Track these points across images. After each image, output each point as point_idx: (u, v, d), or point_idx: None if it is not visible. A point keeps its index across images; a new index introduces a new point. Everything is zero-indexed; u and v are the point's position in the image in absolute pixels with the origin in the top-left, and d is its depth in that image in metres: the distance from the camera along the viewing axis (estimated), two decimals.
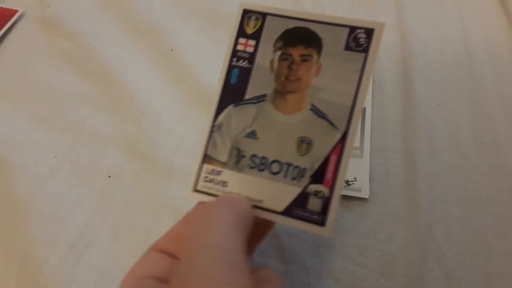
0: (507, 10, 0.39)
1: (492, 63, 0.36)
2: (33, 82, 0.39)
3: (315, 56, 0.22)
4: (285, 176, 0.22)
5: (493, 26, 0.38)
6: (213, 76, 0.38)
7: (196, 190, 0.23)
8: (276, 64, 0.23)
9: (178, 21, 0.41)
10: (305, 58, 0.23)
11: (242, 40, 0.24)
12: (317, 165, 0.21)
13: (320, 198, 0.21)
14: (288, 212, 0.21)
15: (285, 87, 0.23)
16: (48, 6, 0.45)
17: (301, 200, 0.21)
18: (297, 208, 0.21)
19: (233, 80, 0.24)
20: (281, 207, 0.21)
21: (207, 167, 0.23)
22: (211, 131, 0.23)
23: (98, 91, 0.38)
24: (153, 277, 0.20)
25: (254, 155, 0.22)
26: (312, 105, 0.22)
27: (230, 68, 0.24)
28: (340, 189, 0.21)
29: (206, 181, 0.23)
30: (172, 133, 0.35)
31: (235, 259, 0.17)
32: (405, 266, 0.28)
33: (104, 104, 0.37)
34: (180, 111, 0.36)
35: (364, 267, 0.28)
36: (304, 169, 0.22)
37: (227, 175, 0.22)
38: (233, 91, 0.23)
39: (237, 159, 0.22)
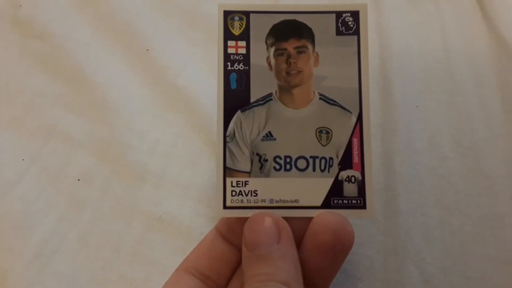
0: (486, 14, 0.39)
1: (471, 65, 0.36)
2: (2, 83, 0.38)
3: (309, 46, 0.22)
4: (314, 169, 0.22)
5: (472, 29, 0.38)
6: (190, 77, 0.37)
7: (226, 207, 0.22)
8: (273, 61, 0.22)
9: (155, 21, 0.40)
10: (300, 50, 0.22)
11: (231, 43, 0.23)
12: (342, 151, 0.22)
13: (354, 182, 0.21)
14: (327, 204, 0.21)
15: (288, 82, 0.22)
16: (20, 5, 0.43)
17: (336, 189, 0.21)
18: (335, 198, 0.21)
19: (233, 85, 0.23)
20: (319, 201, 0.21)
21: (231, 180, 0.22)
22: (225, 143, 0.22)
23: (70, 93, 0.36)
24: None
25: (276, 156, 0.22)
26: (320, 95, 0.22)
27: (226, 73, 0.23)
28: (370, 170, 0.22)
29: (234, 195, 0.22)
30: (146, 136, 0.34)
31: None
32: (384, 271, 0.27)
33: (76, 106, 0.36)
34: (155, 114, 0.35)
35: (342, 272, 0.28)
36: (331, 159, 0.22)
37: (255, 183, 0.22)
38: (236, 97, 0.23)
39: (261, 165, 0.22)
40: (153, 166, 0.33)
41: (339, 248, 0.20)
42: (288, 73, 0.22)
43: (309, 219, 0.21)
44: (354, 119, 0.22)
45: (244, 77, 0.22)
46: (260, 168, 0.22)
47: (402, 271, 0.27)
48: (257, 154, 0.22)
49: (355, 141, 0.21)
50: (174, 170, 0.32)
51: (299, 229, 0.21)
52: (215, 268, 0.22)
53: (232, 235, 0.22)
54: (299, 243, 0.21)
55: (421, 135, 0.32)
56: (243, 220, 0.21)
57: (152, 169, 0.32)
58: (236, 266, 0.22)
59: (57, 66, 0.38)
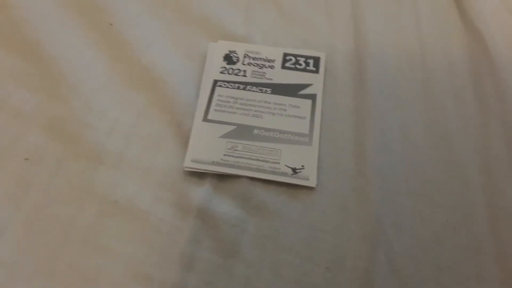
0: (461, 5, 0.39)
1: (445, 55, 0.35)
2: None
3: None
4: None
5: (446, 20, 0.38)
6: (156, 55, 0.34)
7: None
8: None
9: None
10: None
11: None
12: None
13: None
14: None
15: None
16: None
17: None
18: None
19: None
20: None
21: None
22: None
23: (26, 67, 0.33)
24: None
25: None
26: None
27: None
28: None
29: None
30: (105, 115, 0.31)
31: None
32: (353, 260, 0.26)
33: (31, 81, 0.33)
34: (116, 91, 0.33)
35: (309, 260, 0.26)
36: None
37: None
38: None
39: None
40: (111, 146, 0.30)
41: None
42: None
43: None
44: None
45: None
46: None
47: (372, 260, 0.26)
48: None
49: None
50: (134, 152, 0.30)
51: None
52: None
53: None
54: None
55: (393, 123, 0.31)
56: None
57: (110, 149, 0.30)
58: None
59: (14, 39, 0.35)
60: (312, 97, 0.32)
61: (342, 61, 0.35)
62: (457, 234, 0.27)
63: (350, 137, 0.31)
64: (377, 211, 0.27)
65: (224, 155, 0.29)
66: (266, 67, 0.34)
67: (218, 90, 0.33)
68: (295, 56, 0.35)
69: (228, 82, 0.33)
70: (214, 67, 0.34)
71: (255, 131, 0.31)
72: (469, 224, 0.28)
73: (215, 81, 0.33)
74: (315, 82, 0.33)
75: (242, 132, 0.30)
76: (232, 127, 0.31)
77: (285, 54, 0.35)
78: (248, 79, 0.33)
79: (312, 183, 0.28)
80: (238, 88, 0.33)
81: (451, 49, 0.36)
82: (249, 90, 0.33)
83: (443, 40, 0.36)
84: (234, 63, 0.34)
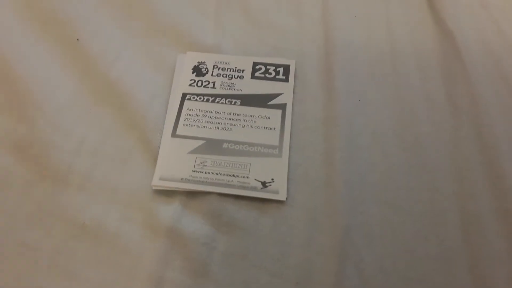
0: (432, 5, 0.38)
1: (416, 58, 0.35)
2: None
3: None
4: None
5: (418, 21, 0.37)
6: (123, 69, 0.34)
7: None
8: None
9: (87, 9, 0.37)
10: None
11: None
12: None
13: None
14: None
15: None
16: None
17: None
18: None
19: None
20: None
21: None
22: None
23: None
24: None
25: None
26: None
27: None
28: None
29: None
30: (72, 134, 0.31)
31: None
32: (322, 274, 0.26)
33: None
34: (83, 108, 0.32)
35: (279, 276, 0.26)
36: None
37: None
38: None
39: None
40: (79, 166, 0.30)
41: None
42: None
43: None
44: None
45: None
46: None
47: (341, 273, 0.26)
48: None
49: None
50: (102, 171, 0.30)
51: None
52: None
53: None
54: None
55: (363, 130, 0.31)
56: None
57: (77, 169, 0.30)
58: None
59: None
60: (282, 107, 0.32)
61: (312, 68, 0.35)
62: (429, 243, 0.27)
63: (320, 146, 0.31)
64: (346, 222, 0.27)
65: (193, 171, 0.29)
66: (235, 78, 0.34)
67: (187, 103, 0.32)
68: (265, 65, 0.34)
69: (197, 94, 0.33)
70: (183, 79, 0.34)
71: (224, 145, 0.30)
72: (440, 233, 0.27)
73: (184, 95, 0.33)
74: (285, 91, 0.33)
75: (211, 146, 0.30)
76: (201, 142, 0.30)
77: (255, 64, 0.34)
78: (217, 90, 0.33)
79: (282, 196, 0.28)
80: (207, 100, 0.33)
81: (423, 52, 0.36)
82: (218, 102, 0.32)
83: (414, 43, 0.36)
84: (203, 74, 0.34)
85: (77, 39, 0.35)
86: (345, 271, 0.26)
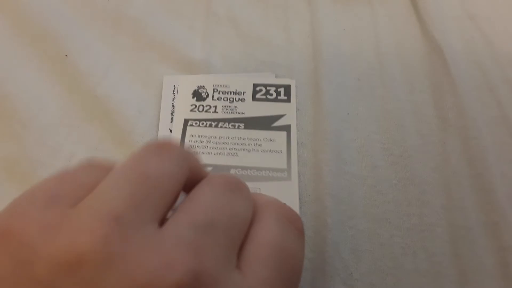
0: (420, 18, 0.38)
1: (404, 71, 0.35)
2: None
3: None
4: None
5: (406, 34, 0.38)
6: (111, 86, 0.34)
7: None
8: None
9: (76, 25, 0.37)
10: None
11: None
12: None
13: None
14: None
15: None
16: None
17: None
18: None
19: None
20: None
21: None
22: None
23: None
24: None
25: None
26: None
27: None
28: None
29: None
30: (59, 151, 0.31)
31: None
32: None
33: None
34: (70, 125, 0.32)
35: None
36: None
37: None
38: None
39: None
40: None
41: None
42: None
43: None
44: None
45: None
46: None
47: None
48: None
49: None
50: None
51: None
52: None
53: None
54: None
55: (351, 144, 0.31)
56: None
57: None
58: None
59: None
60: (286, 128, 0.32)
61: (300, 82, 0.35)
62: (417, 258, 0.27)
63: (309, 162, 0.31)
64: (334, 237, 0.27)
65: None
66: (236, 101, 0.33)
67: (189, 130, 0.32)
68: (265, 86, 0.34)
69: (199, 120, 0.32)
70: (184, 105, 0.33)
71: (232, 171, 0.30)
72: (429, 247, 0.27)
73: (186, 121, 0.32)
74: (288, 112, 0.32)
75: (218, 173, 0.30)
76: (208, 169, 0.30)
77: (255, 85, 0.34)
78: (220, 115, 0.32)
79: None
80: (210, 125, 0.32)
81: (410, 64, 0.36)
82: (221, 127, 0.32)
83: (402, 56, 0.36)
84: (203, 99, 0.33)
85: (66, 55, 0.36)
86: (334, 287, 0.26)
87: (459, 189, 0.29)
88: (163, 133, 0.32)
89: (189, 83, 0.34)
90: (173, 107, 0.33)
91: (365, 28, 0.38)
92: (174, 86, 0.34)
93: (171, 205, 0.16)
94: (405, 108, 0.33)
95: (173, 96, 0.34)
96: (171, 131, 0.32)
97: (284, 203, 0.20)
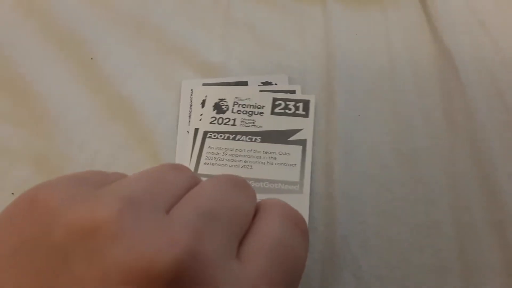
0: (432, 25, 0.40)
1: (415, 75, 0.37)
2: None
3: None
4: None
5: (417, 40, 0.39)
6: (135, 87, 0.36)
7: None
8: None
9: (102, 30, 0.40)
10: None
11: None
12: None
13: None
14: None
15: None
16: None
17: None
18: None
19: None
20: None
21: None
22: None
23: (8, 103, 0.35)
24: None
25: None
26: None
27: None
28: None
29: None
30: (85, 147, 0.33)
31: None
32: (320, 281, 0.27)
33: (14, 117, 0.35)
34: (96, 124, 0.34)
35: None
36: None
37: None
38: None
39: None
40: None
41: None
42: None
43: None
44: None
45: None
46: None
47: (339, 280, 0.27)
48: None
49: None
50: None
51: None
52: None
53: None
54: None
55: (361, 144, 0.32)
56: None
57: None
58: None
59: None
60: (302, 142, 0.32)
61: (314, 84, 0.36)
62: (424, 253, 0.28)
63: (321, 161, 0.32)
64: (344, 231, 0.29)
65: None
66: (255, 114, 0.34)
67: (208, 141, 0.33)
68: (285, 100, 0.35)
69: (218, 132, 0.33)
70: (205, 117, 0.34)
71: None
72: (435, 243, 0.28)
73: (205, 133, 0.33)
74: (305, 127, 0.33)
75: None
76: None
77: (274, 99, 0.35)
78: (238, 128, 0.33)
79: None
80: (228, 138, 0.33)
81: (421, 69, 0.37)
82: (238, 140, 0.33)
83: (413, 60, 0.38)
84: (223, 112, 0.34)
85: (91, 58, 0.38)
86: (343, 278, 0.27)
87: (466, 189, 0.30)
88: (181, 133, 0.34)
89: (210, 95, 0.35)
90: (190, 111, 0.35)
91: (377, 33, 0.39)
92: (192, 90, 0.36)
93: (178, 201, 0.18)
94: (415, 111, 0.34)
95: (190, 99, 0.35)
96: (188, 133, 0.33)
97: (289, 205, 0.20)
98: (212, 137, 0.33)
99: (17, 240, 0.15)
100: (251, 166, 0.31)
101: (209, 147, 0.32)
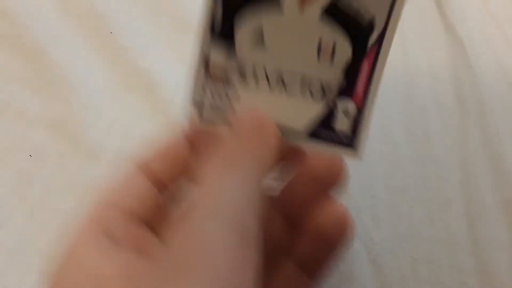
0: (443, 13, 0.40)
1: (427, 61, 0.37)
2: None
3: None
4: (306, 91, 0.18)
5: (430, 28, 0.40)
6: (153, 61, 0.37)
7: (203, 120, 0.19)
8: None
9: (120, 4, 0.40)
10: None
11: None
12: (345, 74, 0.18)
13: (349, 116, 0.18)
14: (313, 133, 0.18)
15: None
16: None
17: (327, 119, 0.18)
18: (323, 128, 0.18)
19: None
20: (303, 128, 0.18)
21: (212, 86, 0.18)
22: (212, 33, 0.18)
23: (28, 71, 0.36)
24: (129, 211, 0.17)
25: (260, 70, 0.18)
26: None
27: None
28: (372, 106, 0.18)
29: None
30: (103, 115, 0.34)
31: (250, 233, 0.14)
32: None
33: (33, 83, 0.35)
34: (114, 94, 0.35)
35: None
36: (329, 82, 0.18)
37: (234, 93, 0.18)
38: None
39: (242, 78, 0.18)
40: (109, 145, 0.32)
41: (331, 181, 0.20)
42: None
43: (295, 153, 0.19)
44: (375, 36, 0.17)
45: None
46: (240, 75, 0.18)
47: (351, 250, 0.28)
48: (238, 67, 0.18)
49: (366, 65, 0.17)
50: (131, 150, 0.32)
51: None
52: (174, 176, 0.19)
53: (201, 141, 0.20)
54: None
55: (374, 123, 0.33)
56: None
57: (107, 147, 0.32)
58: None
59: (17, 45, 0.38)
60: None
61: None
62: (434, 227, 0.29)
63: None
64: (356, 204, 0.29)
65: None
66: None
67: None
68: None
69: None
70: None
71: None
72: (445, 218, 0.29)
73: None
74: None
75: None
76: None
77: None
78: None
79: None
80: None
81: (433, 55, 0.38)
82: None
83: (426, 47, 0.38)
84: None
85: (111, 32, 0.38)
86: (355, 249, 0.28)
87: (476, 168, 0.31)
88: None
89: None
90: None
91: None
92: None
93: None
94: (427, 94, 0.35)
95: None
96: None
97: None
98: None
99: None
100: None
101: None
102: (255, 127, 0.17)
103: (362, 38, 0.17)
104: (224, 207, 0.14)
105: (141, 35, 0.38)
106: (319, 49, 0.17)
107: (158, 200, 0.18)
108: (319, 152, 0.19)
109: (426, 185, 0.30)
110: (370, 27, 0.17)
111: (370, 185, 0.30)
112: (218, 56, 0.18)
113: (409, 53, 0.38)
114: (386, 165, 0.31)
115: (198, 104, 0.19)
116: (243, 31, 0.18)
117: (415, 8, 0.41)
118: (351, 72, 0.17)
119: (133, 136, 0.33)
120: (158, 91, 0.35)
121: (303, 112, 0.18)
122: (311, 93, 0.18)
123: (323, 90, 0.18)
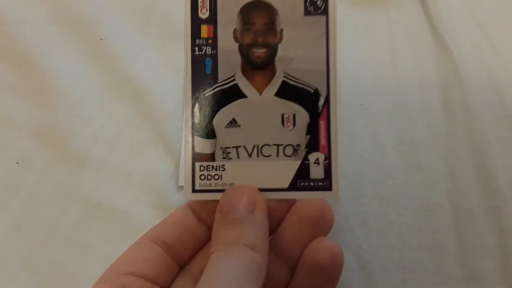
0: (432, 23, 0.41)
1: (415, 70, 0.37)
2: None
3: (277, 24, 0.22)
4: (279, 155, 0.22)
5: (418, 38, 0.40)
6: (141, 68, 0.36)
7: (195, 191, 0.22)
8: (239, 37, 0.22)
9: (111, 13, 0.40)
10: (269, 27, 0.21)
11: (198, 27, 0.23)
12: (308, 135, 0.22)
13: (320, 164, 0.22)
14: (293, 186, 0.21)
15: (253, 59, 0.21)
16: None
17: (303, 171, 0.21)
18: (301, 180, 0.21)
19: (208, 70, 0.22)
20: (285, 184, 0.21)
21: (199, 165, 0.22)
22: (193, 124, 0.22)
23: (16, 77, 0.35)
24: (141, 275, 0.19)
25: (240, 147, 0.22)
26: (285, 75, 0.22)
27: (195, 58, 0.22)
28: (336, 151, 0.22)
29: (203, 179, 0.22)
30: (90, 123, 0.33)
31: None
32: None
33: (21, 90, 0.35)
34: (102, 101, 0.35)
35: None
36: (298, 143, 0.22)
37: (219, 167, 0.22)
38: (205, 81, 0.22)
39: (225, 155, 0.22)
40: (96, 152, 0.32)
41: (322, 223, 0.22)
42: (255, 44, 0.21)
43: (284, 202, 0.22)
44: (322, 101, 0.21)
45: (213, 62, 0.22)
46: (224, 157, 0.22)
47: None
48: (221, 147, 0.22)
49: (322, 123, 0.21)
50: (117, 157, 0.32)
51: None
52: (182, 240, 0.22)
53: (204, 212, 0.22)
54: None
55: (364, 132, 0.33)
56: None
57: (94, 155, 0.32)
58: (204, 242, 0.22)
59: (7, 52, 0.37)
60: None
61: None
62: (422, 234, 0.29)
63: None
64: (346, 212, 0.29)
65: None
66: None
67: None
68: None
69: None
70: None
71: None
72: (433, 226, 0.29)
73: None
74: None
75: None
76: None
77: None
78: None
79: None
80: None
81: (422, 64, 0.38)
82: None
83: (414, 56, 0.38)
84: None
85: (101, 39, 0.38)
86: (344, 256, 0.27)
87: (463, 176, 0.31)
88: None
89: None
90: None
91: (380, 31, 0.40)
92: None
93: None
94: (415, 103, 0.35)
95: None
96: None
97: None
98: None
99: None
100: None
101: None
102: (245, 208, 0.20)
103: (313, 104, 0.22)
104: None
105: (130, 43, 0.38)
106: (282, 120, 0.22)
107: (169, 264, 0.21)
108: (301, 198, 0.22)
109: (415, 194, 0.30)
110: (317, 94, 0.22)
111: (359, 193, 0.30)
112: (202, 147, 0.22)
113: (397, 62, 0.38)
114: (375, 173, 0.31)
115: (189, 180, 0.22)
116: (221, 126, 0.22)
117: (403, 17, 0.41)
118: (313, 131, 0.22)
119: (119, 144, 0.33)
120: (146, 98, 0.35)
121: (282, 172, 0.22)
122: (286, 155, 0.22)
123: (295, 150, 0.22)
